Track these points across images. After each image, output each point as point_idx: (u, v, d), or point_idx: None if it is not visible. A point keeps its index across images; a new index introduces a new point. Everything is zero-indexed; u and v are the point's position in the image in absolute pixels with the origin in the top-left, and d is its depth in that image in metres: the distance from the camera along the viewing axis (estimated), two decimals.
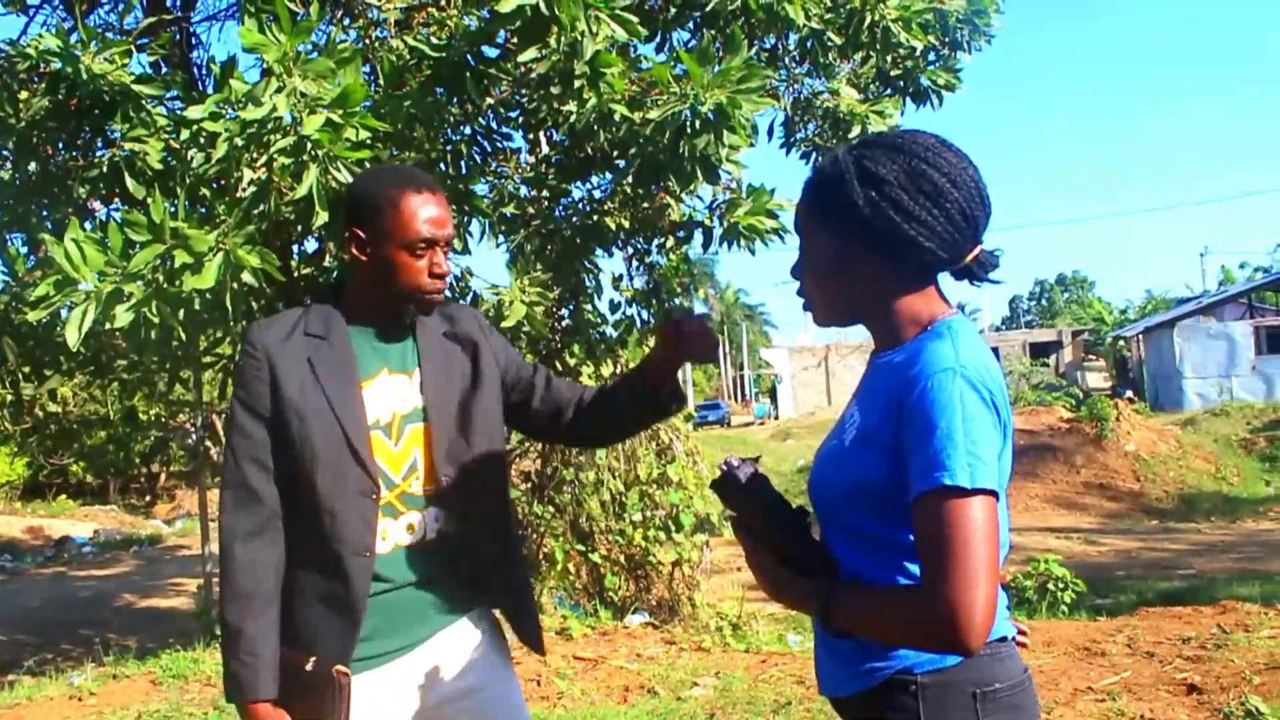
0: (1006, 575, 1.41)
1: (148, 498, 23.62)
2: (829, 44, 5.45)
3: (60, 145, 4.53)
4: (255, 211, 3.76)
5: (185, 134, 3.83)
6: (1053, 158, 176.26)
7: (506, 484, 2.03)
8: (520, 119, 5.16)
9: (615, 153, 4.98)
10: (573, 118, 4.25)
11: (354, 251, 1.78)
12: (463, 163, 4.97)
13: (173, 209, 3.60)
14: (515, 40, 4.20)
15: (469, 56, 4.26)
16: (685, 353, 1.82)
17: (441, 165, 4.81)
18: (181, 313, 3.62)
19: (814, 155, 6.26)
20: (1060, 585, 7.71)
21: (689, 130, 4.08)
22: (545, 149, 5.69)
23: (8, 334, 5.15)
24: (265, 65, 3.55)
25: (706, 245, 5.35)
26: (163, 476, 23.83)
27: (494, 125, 5.14)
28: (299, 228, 4.32)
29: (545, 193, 5.59)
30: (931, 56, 6.21)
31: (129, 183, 4.13)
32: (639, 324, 6.44)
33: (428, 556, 1.79)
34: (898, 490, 1.26)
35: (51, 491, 21.74)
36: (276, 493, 1.72)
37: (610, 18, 3.94)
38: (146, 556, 15.96)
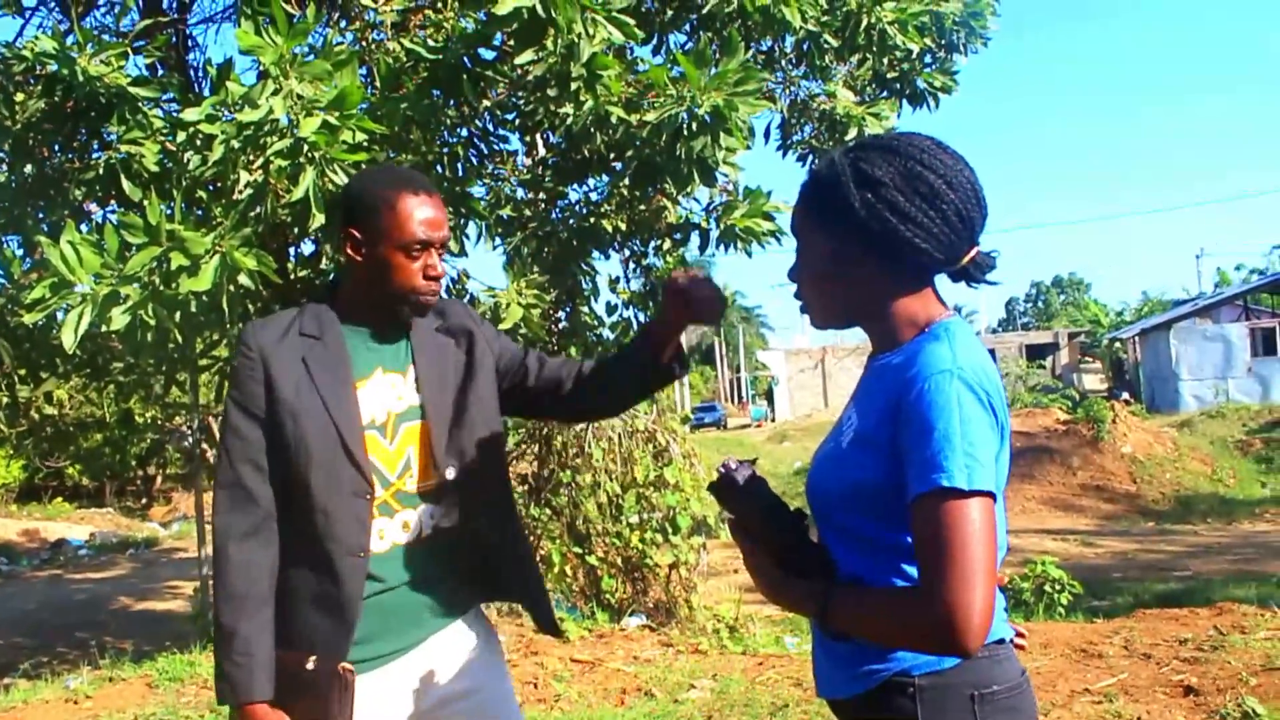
0: (1004, 577, 1.41)
1: (144, 500, 23.57)
2: (825, 46, 5.46)
3: (56, 147, 4.52)
4: (252, 214, 3.76)
5: (182, 136, 3.83)
6: (1050, 159, 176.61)
7: (506, 472, 2.03)
8: (517, 121, 5.16)
9: (612, 155, 4.98)
10: (569, 120, 4.26)
11: (349, 252, 1.78)
12: (459, 165, 4.97)
13: (169, 211, 3.59)
14: (512, 42, 4.19)
15: (465, 59, 4.25)
16: (692, 314, 1.80)
17: (438, 167, 4.81)
18: (178, 315, 3.61)
19: (810, 158, 6.28)
20: (1057, 587, 7.72)
21: (686, 132, 4.08)
22: (542, 151, 5.69)
23: (3, 336, 5.14)
24: (262, 67, 3.55)
25: (703, 247, 5.35)
26: (159, 479, 23.79)
27: (491, 127, 5.14)
28: (296, 230, 4.32)
29: (542, 195, 5.59)
30: (928, 59, 6.23)
31: (125, 185, 4.12)
32: (636, 326, 6.44)
33: (425, 554, 1.79)
34: (895, 492, 1.26)
35: (47, 494, 21.68)
36: (272, 493, 1.72)
37: (607, 20, 3.94)
38: (142, 559, 15.91)
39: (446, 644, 1.83)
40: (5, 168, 4.56)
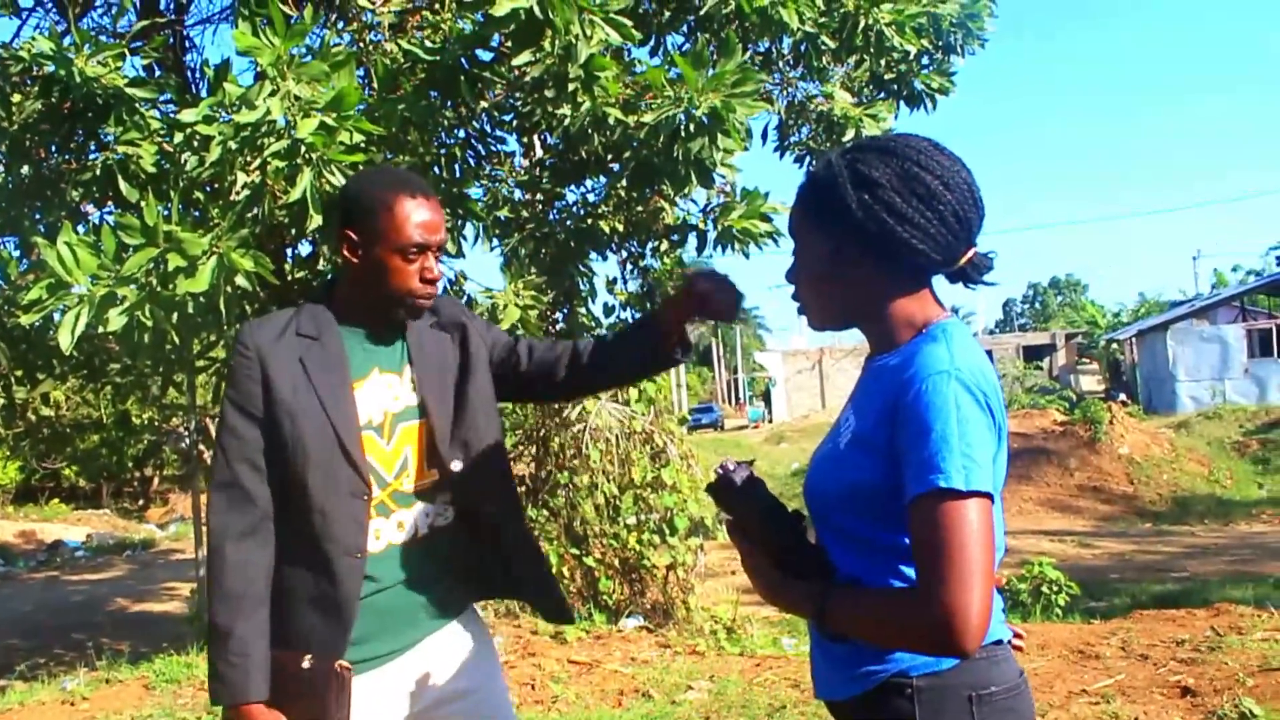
0: (1001, 578, 1.42)
1: (141, 502, 23.52)
2: (823, 48, 5.46)
3: (53, 148, 4.52)
4: (249, 215, 3.75)
5: (179, 137, 3.83)
6: (1049, 159, 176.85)
7: (508, 464, 2.03)
8: (514, 122, 5.16)
9: (609, 156, 4.99)
10: (567, 121, 4.26)
11: (346, 253, 1.78)
12: (457, 166, 4.97)
13: (166, 212, 3.59)
14: (509, 44, 4.19)
15: (463, 60, 4.25)
16: (708, 310, 1.80)
17: (436, 169, 4.81)
18: (175, 316, 3.61)
19: (808, 159, 6.28)
20: (1054, 588, 7.71)
21: (683, 134, 4.09)
22: (539, 152, 5.70)
23: (0, 338, 5.13)
24: (259, 69, 3.55)
25: (700, 249, 5.36)
26: (156, 481, 23.74)
27: (488, 129, 5.14)
28: (293, 231, 4.32)
29: (539, 196, 5.60)
30: (925, 60, 6.23)
31: (122, 186, 4.12)
32: None
33: (421, 554, 1.80)
34: (893, 493, 1.26)
35: (44, 495, 21.63)
36: (269, 493, 1.71)
37: (604, 21, 3.94)
38: (139, 561, 15.87)
39: (442, 645, 1.83)
40: (2, 169, 4.55)
